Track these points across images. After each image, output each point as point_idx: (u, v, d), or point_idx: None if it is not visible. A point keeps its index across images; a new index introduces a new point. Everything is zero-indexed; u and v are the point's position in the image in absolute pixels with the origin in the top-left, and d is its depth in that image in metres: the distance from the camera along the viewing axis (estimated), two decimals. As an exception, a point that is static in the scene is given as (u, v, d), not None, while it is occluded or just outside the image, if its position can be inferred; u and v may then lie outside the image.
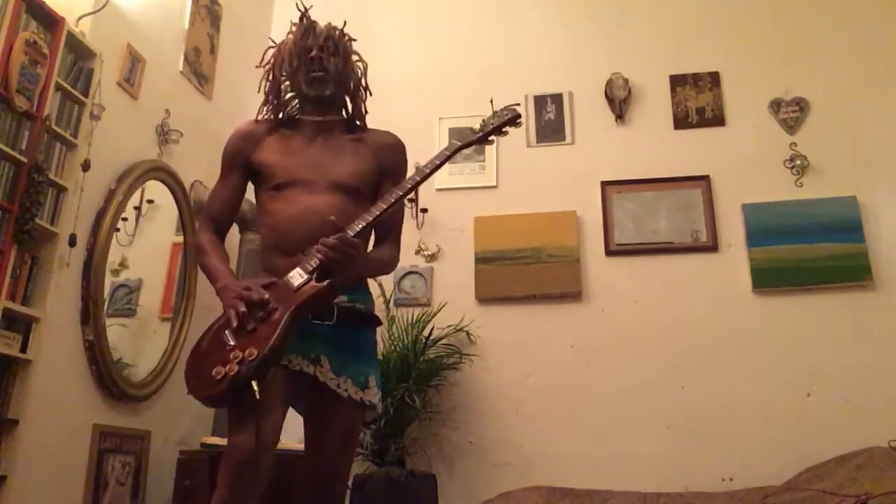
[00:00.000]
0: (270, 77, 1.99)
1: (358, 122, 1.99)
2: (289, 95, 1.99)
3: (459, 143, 1.81)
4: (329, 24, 1.98)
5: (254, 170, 1.89)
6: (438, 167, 1.82)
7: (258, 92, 2.03)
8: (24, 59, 2.42)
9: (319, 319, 1.69)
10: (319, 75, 1.88)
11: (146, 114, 3.23)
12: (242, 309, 1.58)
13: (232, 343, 1.56)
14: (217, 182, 1.97)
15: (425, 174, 1.79)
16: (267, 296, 1.61)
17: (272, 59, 2.00)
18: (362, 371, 1.76)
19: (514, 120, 1.84)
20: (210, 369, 1.53)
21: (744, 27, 3.93)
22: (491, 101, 1.88)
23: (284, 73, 1.95)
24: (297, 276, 1.64)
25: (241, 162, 1.91)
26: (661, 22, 4.04)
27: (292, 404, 1.73)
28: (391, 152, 1.94)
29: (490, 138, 1.88)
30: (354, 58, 2.01)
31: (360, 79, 2.01)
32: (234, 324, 1.58)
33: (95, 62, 2.81)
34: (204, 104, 3.68)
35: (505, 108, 1.89)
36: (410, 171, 1.94)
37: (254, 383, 1.51)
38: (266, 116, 1.97)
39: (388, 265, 1.94)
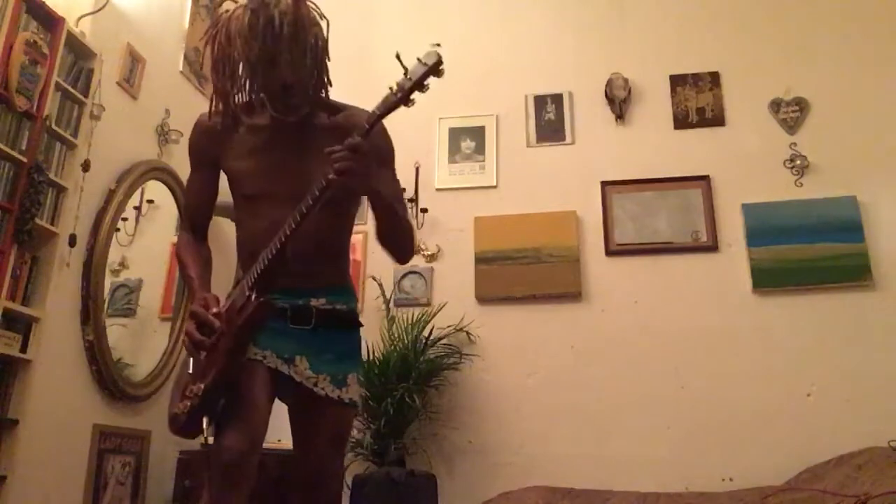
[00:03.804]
0: (216, 69, 1.68)
1: (326, 100, 1.74)
2: (244, 86, 1.70)
3: (379, 112, 1.50)
4: (283, 8, 1.59)
5: (223, 170, 1.78)
6: (367, 135, 1.53)
7: (201, 67, 1.82)
8: (24, 59, 2.42)
9: (296, 324, 1.67)
10: (294, 102, 1.65)
11: (146, 114, 3.23)
12: (195, 335, 1.55)
13: (191, 372, 1.60)
14: (189, 177, 1.86)
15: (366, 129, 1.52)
16: (217, 321, 1.55)
17: (218, 50, 1.66)
18: (341, 369, 1.70)
19: (437, 68, 1.44)
20: (174, 405, 1.62)
21: (744, 27, 3.92)
22: (398, 56, 1.48)
23: (236, 72, 1.66)
24: (241, 293, 1.58)
25: (207, 159, 1.78)
26: (661, 22, 4.03)
27: (279, 398, 1.70)
28: (373, 135, 1.64)
29: (412, 97, 1.48)
30: (313, 20, 1.68)
31: (323, 51, 1.69)
32: (188, 350, 1.61)
33: (95, 62, 2.81)
34: (204, 104, 3.64)
35: (422, 58, 1.46)
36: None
37: (204, 420, 1.54)
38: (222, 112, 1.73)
39: (409, 225, 1.75)
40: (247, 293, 1.56)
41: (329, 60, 1.71)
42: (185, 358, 1.68)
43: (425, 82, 1.45)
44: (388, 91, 1.49)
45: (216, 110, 1.73)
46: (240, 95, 1.70)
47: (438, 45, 1.47)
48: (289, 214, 1.53)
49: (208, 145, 1.77)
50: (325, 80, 1.71)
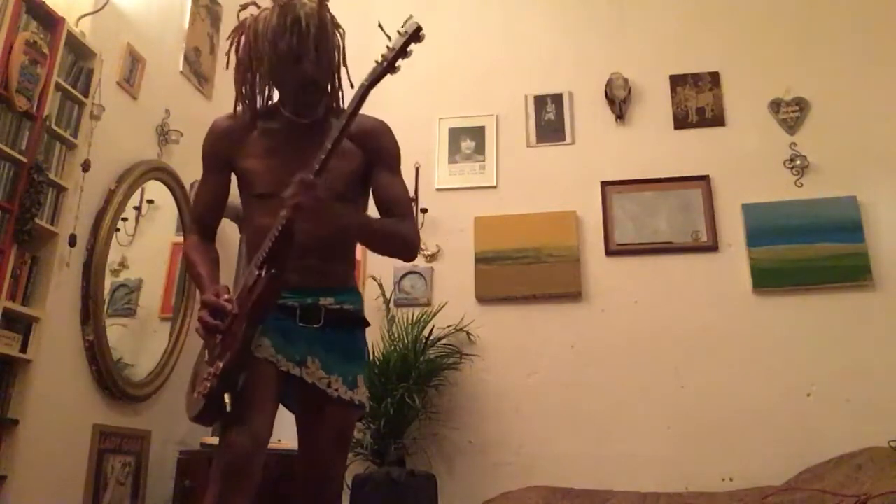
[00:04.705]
0: (242, 68, 1.75)
1: (341, 105, 1.80)
2: (266, 87, 1.77)
3: (367, 83, 1.55)
4: (309, 10, 1.67)
5: (236, 171, 1.80)
6: (356, 111, 1.57)
7: (227, 66, 1.85)
8: (24, 59, 2.42)
9: (306, 322, 1.68)
10: (313, 99, 1.73)
11: (146, 114, 3.23)
12: (208, 321, 1.57)
13: (207, 359, 1.61)
14: (199, 181, 1.88)
15: (344, 124, 1.56)
16: (228, 304, 1.57)
17: (244, 49, 1.74)
18: (351, 371, 1.73)
19: (417, 35, 1.54)
20: (194, 391, 1.62)
21: (744, 27, 3.93)
22: (380, 25, 1.60)
23: (261, 71, 1.72)
24: (251, 275, 1.60)
25: (220, 163, 1.80)
26: (661, 22, 4.04)
27: (282, 402, 1.72)
28: (375, 136, 1.79)
29: (396, 65, 1.56)
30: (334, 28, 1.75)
31: (341, 58, 1.78)
32: (203, 337, 1.62)
33: (95, 62, 2.81)
34: (204, 104, 3.68)
35: (402, 28, 1.57)
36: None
37: (226, 396, 1.53)
38: (242, 111, 1.79)
39: (400, 236, 1.76)
40: (256, 273, 1.58)
41: (346, 67, 1.78)
42: (200, 352, 1.69)
43: (407, 49, 1.53)
44: (374, 65, 1.56)
45: (241, 108, 1.77)
46: (261, 95, 1.76)
47: (411, 16, 1.58)
48: None
49: (223, 148, 1.79)
50: (341, 83, 1.77)
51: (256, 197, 1.75)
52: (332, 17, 1.75)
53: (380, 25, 1.59)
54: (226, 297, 1.60)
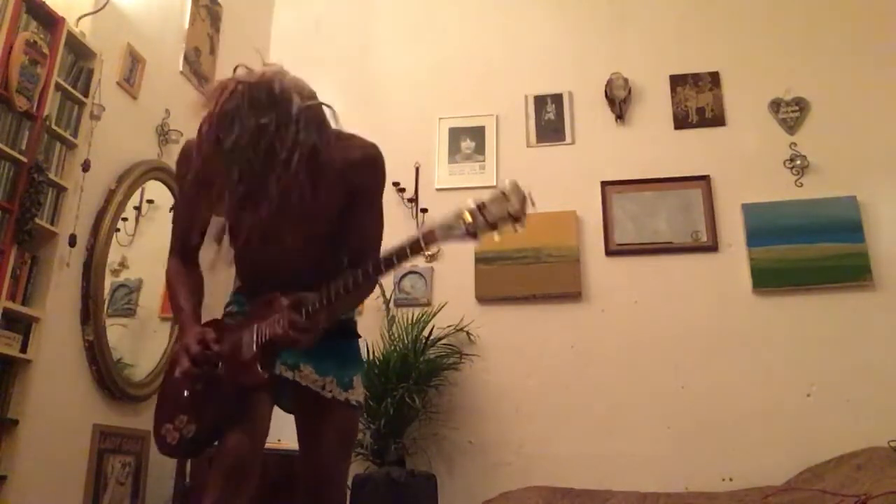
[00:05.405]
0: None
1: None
2: None
3: (437, 236, 1.46)
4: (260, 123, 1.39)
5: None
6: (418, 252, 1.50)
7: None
8: (24, 59, 2.42)
9: None
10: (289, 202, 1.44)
11: (146, 114, 3.23)
12: (193, 374, 1.55)
13: (185, 394, 1.61)
14: (177, 199, 1.79)
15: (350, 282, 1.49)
16: (216, 351, 1.55)
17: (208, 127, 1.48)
18: (347, 373, 1.72)
19: (520, 220, 1.36)
20: (161, 424, 1.64)
21: (744, 27, 3.92)
22: (480, 206, 1.37)
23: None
24: (249, 342, 1.58)
25: (194, 188, 1.57)
26: (661, 22, 4.04)
27: (277, 402, 1.70)
28: (361, 170, 1.60)
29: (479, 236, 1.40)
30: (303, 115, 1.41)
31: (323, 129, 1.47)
32: (183, 382, 1.61)
33: (95, 62, 2.81)
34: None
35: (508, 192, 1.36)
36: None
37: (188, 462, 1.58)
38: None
39: (360, 300, 1.81)
40: (254, 348, 1.56)
41: (337, 126, 1.51)
42: (168, 376, 1.71)
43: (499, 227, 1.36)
44: (457, 217, 1.40)
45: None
46: None
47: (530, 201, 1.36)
48: (283, 253, 1.57)
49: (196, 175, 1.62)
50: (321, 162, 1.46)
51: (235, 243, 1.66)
52: (310, 101, 1.43)
53: (479, 206, 1.35)
54: (215, 348, 1.55)
